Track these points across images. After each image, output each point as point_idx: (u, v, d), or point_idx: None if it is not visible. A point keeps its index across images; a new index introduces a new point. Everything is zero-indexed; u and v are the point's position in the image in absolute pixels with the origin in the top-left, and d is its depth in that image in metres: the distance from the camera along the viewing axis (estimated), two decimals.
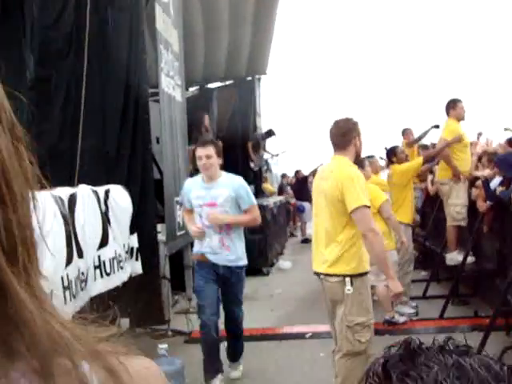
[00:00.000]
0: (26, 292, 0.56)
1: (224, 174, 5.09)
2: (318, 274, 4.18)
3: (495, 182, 6.68)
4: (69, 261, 4.07)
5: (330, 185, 4.05)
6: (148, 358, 0.70)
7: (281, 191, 18.39)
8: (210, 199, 4.94)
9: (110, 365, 0.61)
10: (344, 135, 4.14)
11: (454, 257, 7.57)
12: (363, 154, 7.68)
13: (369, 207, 3.97)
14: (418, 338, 0.83)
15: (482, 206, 6.86)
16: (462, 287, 7.81)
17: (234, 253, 5.02)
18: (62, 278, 3.94)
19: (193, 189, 5.07)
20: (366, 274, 4.08)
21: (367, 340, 3.99)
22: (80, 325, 0.63)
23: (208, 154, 4.90)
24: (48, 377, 0.56)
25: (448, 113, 7.75)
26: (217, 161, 4.96)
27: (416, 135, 10.72)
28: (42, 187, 0.64)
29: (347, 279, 3.95)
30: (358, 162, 4.53)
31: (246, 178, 13.39)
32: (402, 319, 6.82)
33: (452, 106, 7.71)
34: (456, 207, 7.55)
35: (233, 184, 5.02)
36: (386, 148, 7.94)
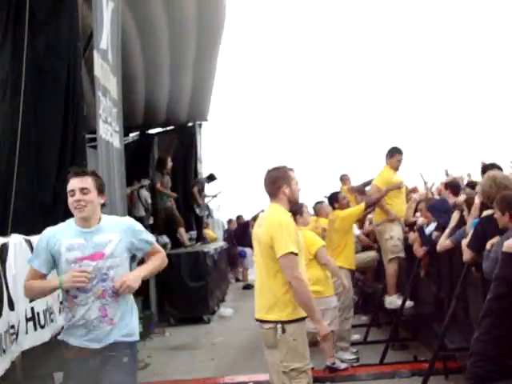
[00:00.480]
0: None
1: (105, 216, 3.68)
2: (257, 320, 4.17)
3: (430, 228, 6.85)
4: None
5: (262, 232, 4.11)
6: None
7: (229, 237, 18.18)
8: (93, 249, 3.46)
9: None
10: (273, 183, 4.20)
11: (393, 300, 7.65)
12: (310, 201, 7.82)
13: (296, 254, 3.97)
14: None
15: (420, 251, 7.00)
16: (401, 331, 7.88)
17: (120, 326, 3.49)
18: None
19: (63, 238, 3.48)
20: (303, 319, 4.07)
21: None
22: None
23: (84, 188, 3.48)
24: None
25: (386, 160, 7.98)
26: (97, 199, 3.56)
27: (353, 182, 10.99)
28: None
29: (278, 326, 3.96)
30: (296, 208, 4.55)
31: (188, 225, 13.15)
32: (342, 366, 6.79)
33: (390, 154, 7.97)
34: (392, 240, 7.72)
35: (121, 225, 3.63)
36: (325, 196, 8.08)
